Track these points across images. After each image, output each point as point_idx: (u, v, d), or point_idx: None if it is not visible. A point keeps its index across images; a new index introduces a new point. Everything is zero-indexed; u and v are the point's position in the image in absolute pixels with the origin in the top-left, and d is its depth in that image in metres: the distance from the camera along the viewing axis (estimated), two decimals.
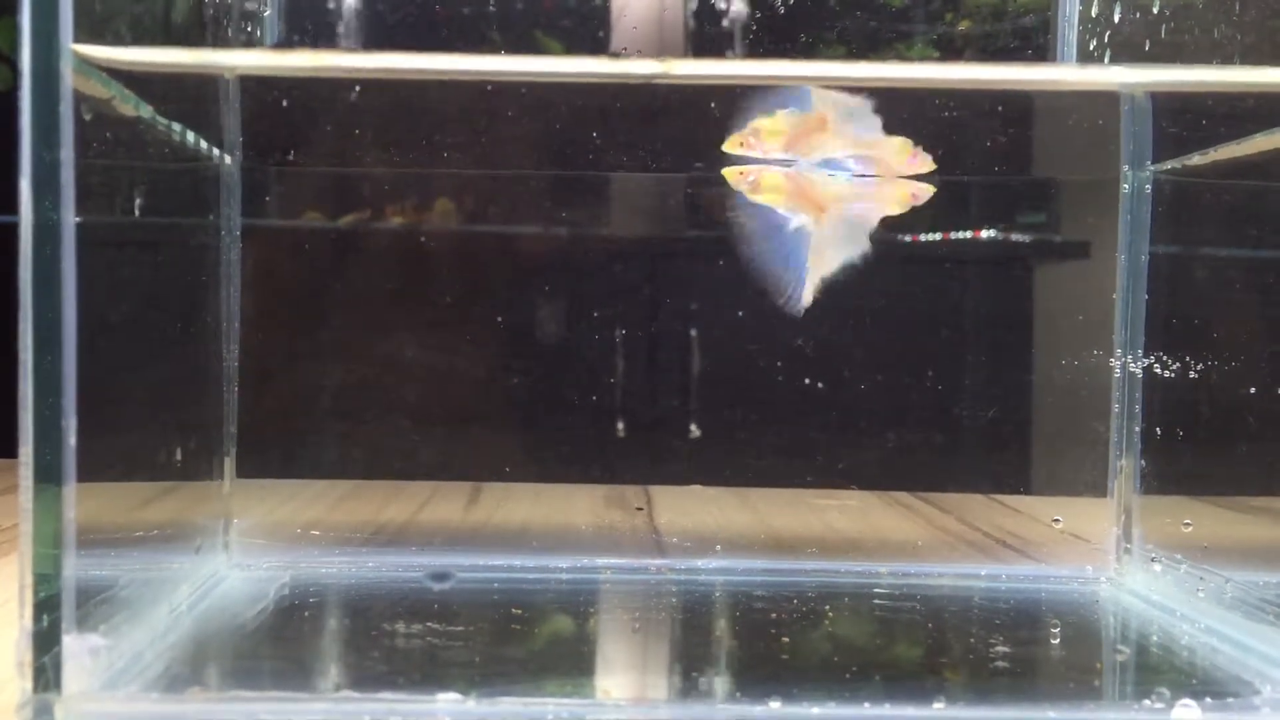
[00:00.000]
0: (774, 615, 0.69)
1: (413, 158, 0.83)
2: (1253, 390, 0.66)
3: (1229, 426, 0.70)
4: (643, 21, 0.80)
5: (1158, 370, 0.74)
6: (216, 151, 0.75)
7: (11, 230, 0.49)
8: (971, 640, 0.67)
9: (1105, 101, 0.77)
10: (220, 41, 0.74)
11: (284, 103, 0.77)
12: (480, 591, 0.74)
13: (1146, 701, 0.53)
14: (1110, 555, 0.79)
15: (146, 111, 0.62)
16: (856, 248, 0.72)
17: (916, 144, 0.73)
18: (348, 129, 0.81)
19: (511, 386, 0.87)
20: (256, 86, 0.76)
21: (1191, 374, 0.72)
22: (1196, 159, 0.73)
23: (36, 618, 0.49)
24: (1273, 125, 0.65)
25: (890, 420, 0.85)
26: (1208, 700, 0.53)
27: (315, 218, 0.85)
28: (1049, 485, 0.87)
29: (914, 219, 0.86)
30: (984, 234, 0.86)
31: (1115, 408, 0.79)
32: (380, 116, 0.79)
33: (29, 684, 0.49)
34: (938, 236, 0.86)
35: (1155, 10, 0.73)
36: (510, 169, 0.82)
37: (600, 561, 0.79)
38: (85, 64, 0.52)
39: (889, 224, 0.84)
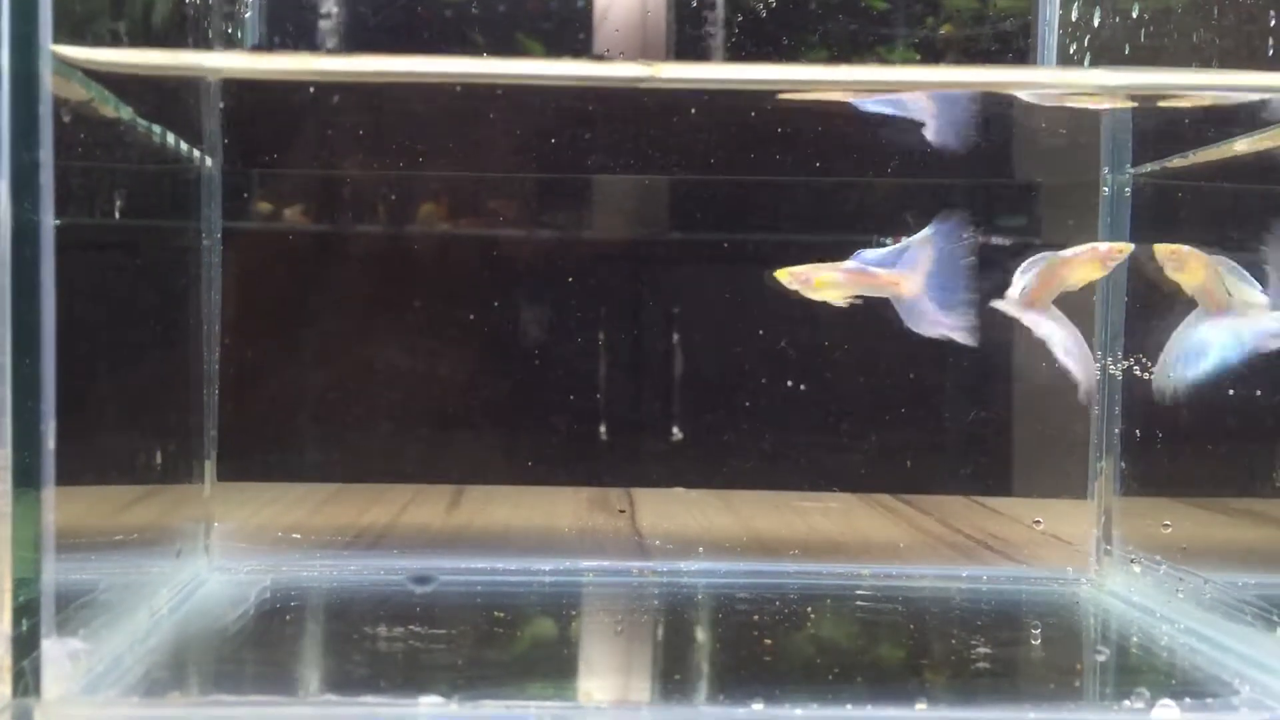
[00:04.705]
0: (756, 617, 0.69)
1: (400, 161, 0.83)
2: (1231, 392, 0.66)
3: (1208, 428, 0.70)
4: (625, 25, 0.80)
5: (1137, 372, 0.75)
6: (197, 153, 0.75)
7: None
8: (953, 641, 0.67)
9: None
10: (201, 43, 0.74)
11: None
12: (462, 594, 0.74)
13: (1126, 702, 0.54)
14: (1090, 556, 0.80)
15: (126, 113, 0.62)
16: None
17: None
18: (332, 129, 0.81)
19: (497, 389, 0.87)
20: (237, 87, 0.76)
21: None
22: (1176, 161, 0.73)
23: (16, 622, 0.49)
24: (1253, 128, 0.66)
25: (872, 423, 0.85)
26: (1187, 700, 0.53)
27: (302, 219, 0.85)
28: (1029, 487, 0.87)
29: (895, 223, 0.86)
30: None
31: (1095, 410, 0.79)
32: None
33: (8, 688, 0.49)
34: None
35: (1135, 15, 0.73)
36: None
37: (583, 564, 0.79)
38: (65, 65, 0.51)
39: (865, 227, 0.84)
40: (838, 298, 0.66)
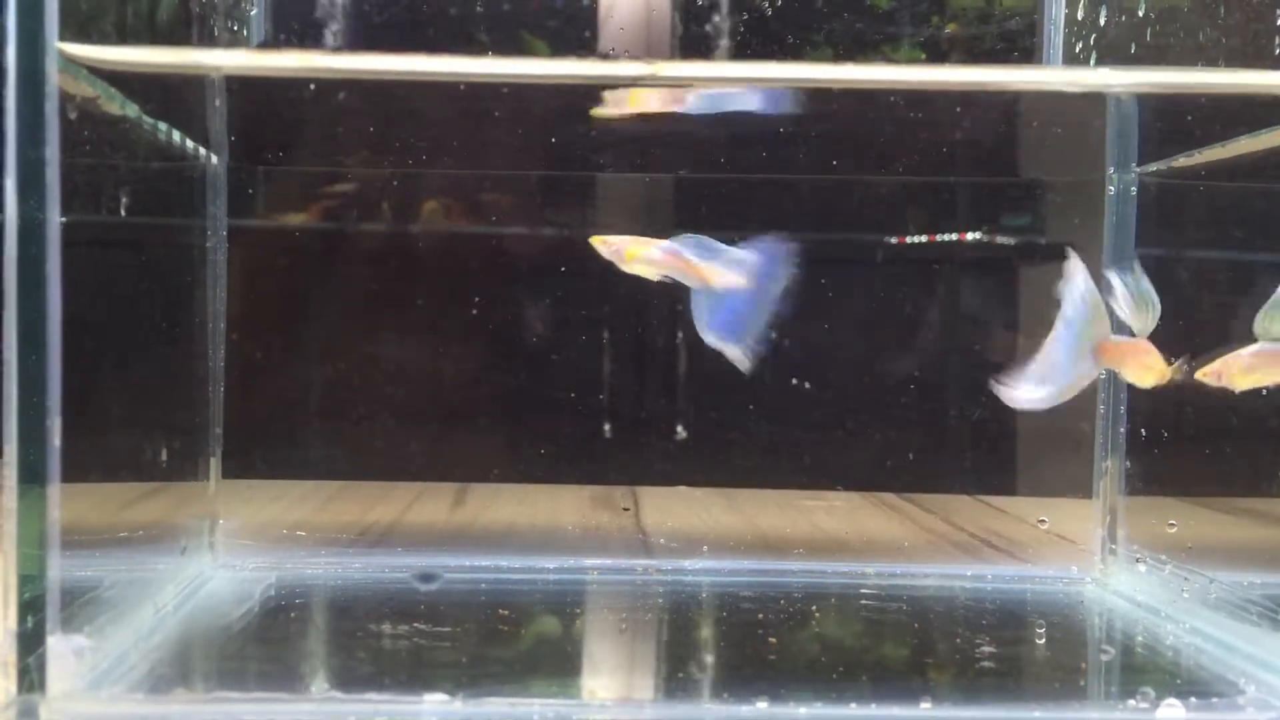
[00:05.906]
0: (761, 616, 0.69)
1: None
2: (1237, 391, 0.66)
3: (1214, 428, 0.70)
4: (630, 23, 0.80)
5: None
6: (203, 151, 0.75)
7: None
8: (957, 640, 0.67)
9: (1091, 104, 0.77)
10: (206, 41, 0.74)
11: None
12: (467, 592, 0.74)
13: (1132, 701, 0.54)
14: (1095, 556, 0.79)
15: (132, 111, 0.62)
16: None
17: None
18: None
19: (501, 387, 0.87)
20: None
21: (1177, 375, 0.72)
22: (1182, 161, 0.73)
23: (21, 619, 0.49)
24: (1257, 127, 0.66)
25: (876, 421, 0.85)
26: (1193, 700, 0.53)
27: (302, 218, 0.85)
28: (1034, 486, 0.87)
29: (899, 221, 0.87)
30: (969, 236, 0.87)
31: (1101, 409, 0.79)
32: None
33: (13, 685, 0.49)
34: (923, 239, 0.87)
35: (1141, 13, 0.73)
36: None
37: (587, 562, 0.79)
38: (71, 63, 0.51)
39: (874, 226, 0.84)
40: (649, 273, 0.66)
